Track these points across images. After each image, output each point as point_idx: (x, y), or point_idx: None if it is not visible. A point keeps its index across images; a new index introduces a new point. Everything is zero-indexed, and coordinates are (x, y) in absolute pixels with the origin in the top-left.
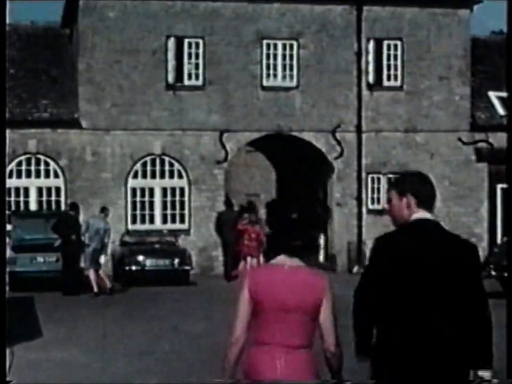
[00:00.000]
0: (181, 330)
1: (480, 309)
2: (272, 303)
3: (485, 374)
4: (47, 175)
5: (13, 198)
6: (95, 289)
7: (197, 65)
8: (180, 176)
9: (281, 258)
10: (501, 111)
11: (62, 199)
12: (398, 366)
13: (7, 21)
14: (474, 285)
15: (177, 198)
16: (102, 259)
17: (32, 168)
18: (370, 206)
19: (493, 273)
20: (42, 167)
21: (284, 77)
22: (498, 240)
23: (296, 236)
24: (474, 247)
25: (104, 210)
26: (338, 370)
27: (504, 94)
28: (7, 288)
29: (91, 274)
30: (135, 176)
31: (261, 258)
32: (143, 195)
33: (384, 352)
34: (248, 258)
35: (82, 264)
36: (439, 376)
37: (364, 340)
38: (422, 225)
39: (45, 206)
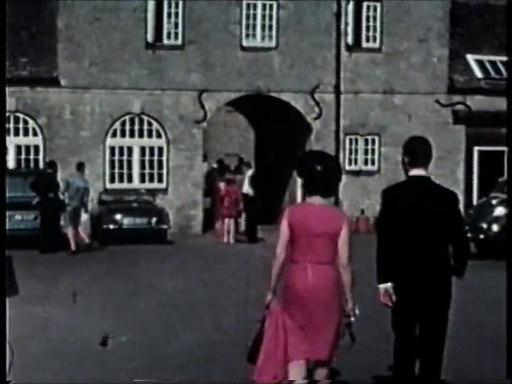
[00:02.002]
0: (156, 288)
1: (460, 235)
2: (305, 231)
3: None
4: (25, 133)
5: None
6: (73, 247)
7: (176, 25)
8: (159, 136)
9: (312, 199)
10: (478, 73)
11: (41, 157)
12: (405, 278)
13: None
14: (455, 218)
15: (156, 157)
16: (83, 217)
17: (11, 126)
18: (347, 167)
19: (468, 235)
20: (21, 125)
21: (263, 37)
22: (474, 202)
23: (322, 183)
24: (454, 193)
25: (80, 166)
26: (350, 285)
27: (482, 57)
28: None
29: (69, 232)
30: (114, 135)
31: (238, 219)
32: (121, 154)
33: (398, 270)
34: (226, 220)
35: (62, 223)
36: (428, 281)
37: (385, 269)
38: (415, 180)
39: (23, 164)
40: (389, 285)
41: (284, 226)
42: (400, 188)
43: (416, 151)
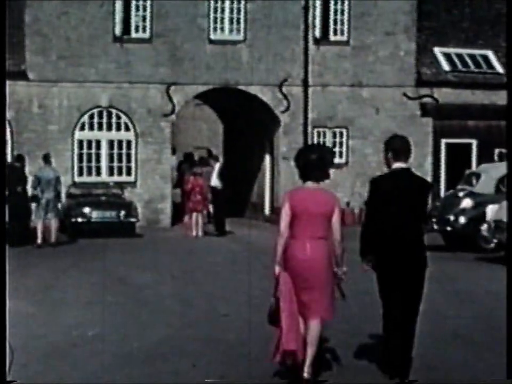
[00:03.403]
0: (125, 281)
1: (423, 215)
2: (303, 211)
3: None
4: None
5: None
6: (39, 240)
7: (144, 18)
8: (127, 129)
9: (308, 184)
10: (446, 66)
11: (9, 151)
12: (386, 252)
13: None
14: (424, 203)
15: (124, 150)
16: (60, 206)
17: None
18: None
19: (435, 227)
20: None
21: (231, 31)
22: (442, 194)
23: (315, 169)
24: (428, 183)
25: (46, 158)
26: (341, 254)
27: (449, 50)
28: None
29: (39, 225)
30: (82, 128)
31: (206, 212)
32: (89, 147)
33: (380, 245)
34: (194, 214)
35: (33, 216)
36: (407, 253)
37: (368, 246)
38: (398, 171)
39: None
40: (368, 257)
41: (286, 207)
42: (386, 177)
43: (399, 147)
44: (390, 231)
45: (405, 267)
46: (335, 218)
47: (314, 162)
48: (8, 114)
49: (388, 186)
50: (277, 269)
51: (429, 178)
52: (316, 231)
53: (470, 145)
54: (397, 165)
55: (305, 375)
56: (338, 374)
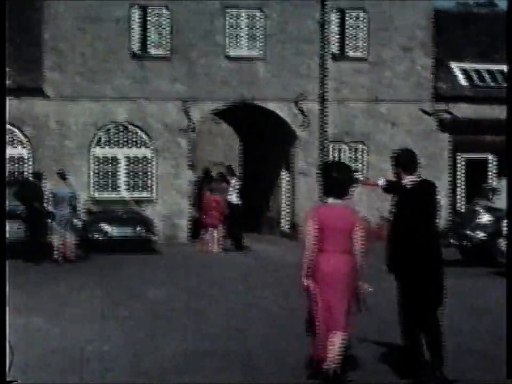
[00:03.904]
0: (141, 297)
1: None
2: (327, 226)
3: None
4: (11, 144)
5: None
6: (56, 256)
7: (161, 35)
8: (144, 145)
9: (331, 200)
10: (462, 81)
11: (26, 167)
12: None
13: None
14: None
15: (141, 166)
16: (76, 222)
17: None
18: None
19: (453, 241)
20: (7, 136)
21: (248, 47)
22: (459, 209)
23: (338, 187)
24: (432, 185)
25: (61, 174)
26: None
27: (466, 65)
28: None
29: (55, 241)
30: (99, 144)
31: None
32: (107, 163)
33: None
34: (211, 230)
35: (50, 232)
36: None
37: (393, 256)
38: (414, 186)
39: (8, 174)
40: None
41: (311, 223)
42: (407, 191)
43: (408, 161)
44: (406, 236)
45: (424, 266)
46: (357, 234)
47: (337, 179)
48: (26, 131)
49: (405, 198)
50: (305, 281)
51: (446, 193)
52: (339, 245)
53: (486, 160)
54: (409, 178)
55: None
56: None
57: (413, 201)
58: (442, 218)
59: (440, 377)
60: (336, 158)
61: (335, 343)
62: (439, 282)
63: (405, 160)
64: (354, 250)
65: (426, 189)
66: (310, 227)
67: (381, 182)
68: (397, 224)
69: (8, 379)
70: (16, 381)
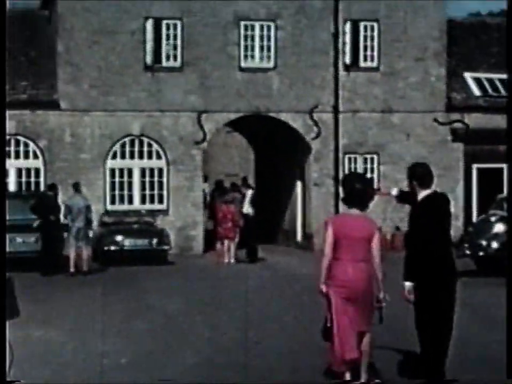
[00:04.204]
0: (156, 309)
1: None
2: (346, 235)
3: None
4: (26, 156)
5: None
6: (72, 268)
7: (175, 47)
8: (159, 157)
9: (350, 210)
10: (476, 91)
11: (41, 180)
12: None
13: None
14: (449, 219)
15: (156, 178)
16: (91, 234)
17: (12, 149)
18: None
19: (468, 252)
20: (21, 148)
21: (261, 58)
22: (474, 220)
23: (360, 198)
24: (446, 197)
25: (76, 187)
26: (381, 278)
27: (479, 75)
28: None
29: (72, 253)
30: (114, 156)
31: (236, 239)
32: (121, 176)
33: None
34: (226, 241)
35: (65, 245)
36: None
37: (412, 269)
38: (428, 200)
39: (24, 187)
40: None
41: (330, 231)
42: (421, 205)
43: (424, 175)
44: (420, 248)
45: (439, 275)
46: (376, 244)
47: (359, 191)
48: (41, 144)
49: (423, 213)
50: (324, 288)
51: (461, 204)
52: (357, 254)
53: (501, 170)
54: (424, 192)
55: (363, 380)
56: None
57: (426, 214)
58: (457, 229)
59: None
60: (351, 169)
61: (363, 347)
62: (452, 292)
63: (420, 174)
64: (372, 260)
65: (439, 201)
66: (328, 235)
67: (394, 192)
68: (412, 236)
69: (8, 379)
70: (18, 381)
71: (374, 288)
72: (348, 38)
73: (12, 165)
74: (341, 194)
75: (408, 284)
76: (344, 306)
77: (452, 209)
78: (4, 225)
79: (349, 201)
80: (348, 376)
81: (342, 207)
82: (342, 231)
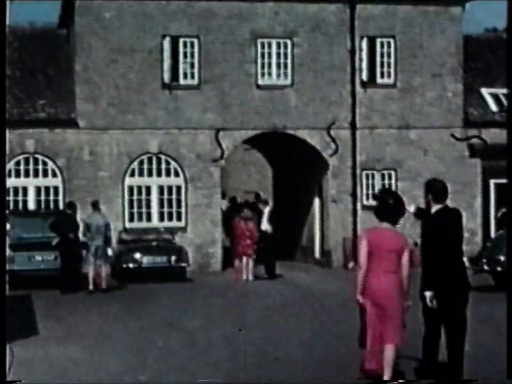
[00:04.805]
0: (175, 327)
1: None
2: (379, 248)
3: None
4: (45, 175)
5: (11, 198)
6: (90, 286)
7: (192, 65)
8: (177, 174)
9: (382, 225)
10: (493, 107)
11: (60, 198)
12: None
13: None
14: (461, 232)
15: (174, 196)
16: (110, 252)
17: (30, 167)
18: (365, 202)
19: (486, 267)
20: (40, 167)
21: (278, 75)
22: (492, 235)
23: (392, 213)
24: (458, 211)
25: (95, 205)
26: (407, 289)
27: (496, 91)
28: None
29: (90, 271)
30: (132, 174)
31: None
32: (140, 193)
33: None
34: (244, 258)
35: (84, 263)
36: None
37: (430, 279)
38: (439, 214)
39: (43, 205)
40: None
41: (364, 244)
42: (433, 219)
43: (438, 191)
44: (433, 261)
45: (450, 286)
46: (405, 257)
47: (391, 206)
48: (60, 162)
49: (434, 225)
50: (360, 298)
51: (479, 219)
52: (388, 266)
53: None
54: (437, 206)
55: None
56: None
57: (437, 227)
58: (475, 244)
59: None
60: (369, 185)
61: (387, 357)
62: (463, 302)
63: (435, 189)
64: (402, 271)
65: (450, 215)
66: (363, 248)
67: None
68: (424, 248)
69: (8, 379)
70: (19, 381)
71: (403, 299)
72: (364, 55)
73: (30, 183)
74: (376, 209)
75: (428, 293)
76: (377, 316)
77: (470, 225)
78: (4, 226)
79: (381, 216)
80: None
81: (360, 223)
82: (376, 244)
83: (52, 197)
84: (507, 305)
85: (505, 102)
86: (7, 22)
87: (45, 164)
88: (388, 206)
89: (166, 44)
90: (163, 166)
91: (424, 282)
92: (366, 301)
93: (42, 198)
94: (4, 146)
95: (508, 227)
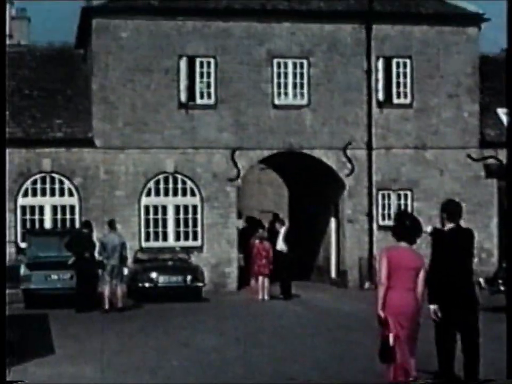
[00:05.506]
0: (191, 346)
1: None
2: (398, 266)
3: None
4: (61, 194)
5: (28, 216)
6: (106, 305)
7: (208, 84)
8: (193, 194)
9: (400, 244)
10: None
11: (77, 217)
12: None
13: (25, 41)
14: (470, 250)
15: (190, 215)
16: (125, 271)
17: (47, 186)
18: (381, 222)
19: (502, 288)
20: (57, 186)
21: (294, 95)
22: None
23: (409, 233)
24: (470, 231)
25: (111, 224)
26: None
27: None
28: (22, 305)
29: (106, 291)
30: (148, 194)
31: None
32: (156, 213)
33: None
34: (260, 278)
35: (100, 282)
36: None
37: (435, 293)
38: (451, 232)
39: (59, 224)
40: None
41: (384, 262)
42: (444, 235)
43: (453, 211)
44: (448, 275)
45: (460, 303)
46: (422, 275)
47: (408, 227)
48: (76, 181)
49: (445, 242)
50: (382, 314)
51: (495, 240)
52: (407, 283)
53: None
54: (450, 225)
55: None
56: None
57: (448, 244)
58: (491, 264)
59: None
60: (385, 205)
61: (410, 368)
62: (473, 316)
63: (450, 209)
64: (418, 288)
65: (462, 234)
66: (383, 266)
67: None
68: (434, 263)
69: (8, 379)
70: (21, 381)
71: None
72: (380, 75)
73: (47, 202)
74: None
75: (432, 307)
76: (400, 330)
77: (486, 245)
78: (4, 228)
79: (398, 236)
80: None
81: (376, 243)
82: (396, 262)
83: (68, 216)
84: (506, 306)
85: None
86: (26, 42)
87: (61, 182)
88: (405, 227)
89: (183, 63)
90: (179, 185)
91: (430, 295)
92: (388, 316)
93: (59, 216)
94: (4, 147)
95: (506, 229)
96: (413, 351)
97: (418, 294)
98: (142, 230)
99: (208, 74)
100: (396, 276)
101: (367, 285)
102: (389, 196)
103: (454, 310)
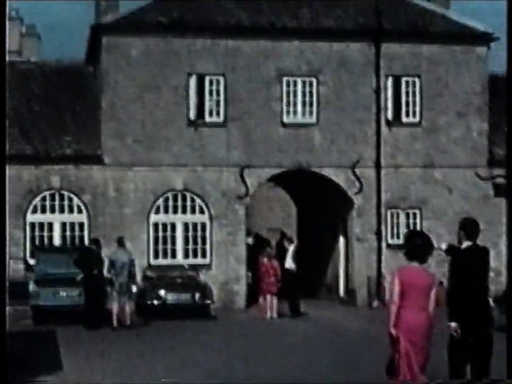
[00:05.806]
0: (199, 364)
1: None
2: (410, 285)
3: None
4: (70, 211)
5: (37, 233)
6: (114, 322)
7: (218, 102)
8: (201, 211)
9: (412, 263)
10: None
11: (86, 234)
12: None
13: (35, 58)
14: (487, 268)
15: (199, 233)
16: (134, 289)
17: (56, 203)
18: (390, 241)
19: None
20: (66, 203)
21: (303, 114)
22: None
23: (420, 253)
24: (486, 249)
25: (120, 241)
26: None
27: None
28: (30, 321)
29: (114, 308)
30: (157, 211)
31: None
32: (165, 230)
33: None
34: (268, 296)
35: (108, 299)
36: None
37: (454, 310)
38: (469, 250)
39: (68, 241)
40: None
41: (396, 282)
42: (462, 253)
43: (470, 229)
44: (467, 293)
45: (477, 320)
46: (433, 294)
47: (419, 246)
48: (85, 198)
49: (464, 261)
50: (394, 331)
51: (504, 259)
52: (418, 302)
53: None
54: (467, 243)
55: None
56: None
57: (465, 261)
58: (500, 284)
59: None
60: (393, 224)
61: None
62: (487, 331)
63: (468, 227)
64: (430, 307)
65: (478, 251)
66: (395, 285)
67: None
68: (452, 280)
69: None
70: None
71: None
72: (389, 94)
73: (56, 219)
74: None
75: (453, 324)
76: (411, 348)
77: (495, 264)
78: (4, 232)
79: (410, 256)
80: None
81: (385, 262)
82: (408, 282)
83: (77, 233)
84: (506, 306)
85: None
86: (36, 59)
87: (70, 200)
88: (417, 247)
89: (192, 81)
90: (188, 203)
91: (449, 313)
92: (400, 334)
93: (68, 233)
94: (4, 149)
95: (507, 229)
96: (423, 368)
97: (430, 312)
98: (151, 247)
99: (218, 92)
100: (408, 295)
101: (375, 303)
102: (397, 214)
103: (470, 328)
